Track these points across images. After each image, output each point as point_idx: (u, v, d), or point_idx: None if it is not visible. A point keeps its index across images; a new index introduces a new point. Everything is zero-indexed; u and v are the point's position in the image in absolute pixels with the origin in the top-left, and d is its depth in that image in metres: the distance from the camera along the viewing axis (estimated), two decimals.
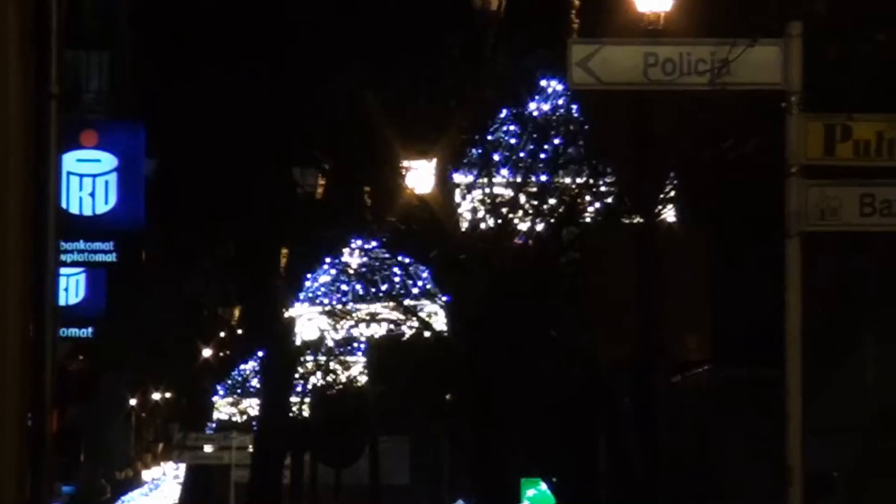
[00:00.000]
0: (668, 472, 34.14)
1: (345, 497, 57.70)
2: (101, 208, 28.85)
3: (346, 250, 40.03)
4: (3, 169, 16.82)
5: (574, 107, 37.74)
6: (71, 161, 28.75)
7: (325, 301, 44.99)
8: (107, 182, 28.52)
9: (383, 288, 43.27)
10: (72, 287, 33.97)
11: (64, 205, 26.57)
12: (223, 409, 57.23)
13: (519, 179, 40.28)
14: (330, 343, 47.41)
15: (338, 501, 57.29)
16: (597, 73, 19.88)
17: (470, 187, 42.09)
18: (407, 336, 43.81)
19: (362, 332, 45.80)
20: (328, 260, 43.93)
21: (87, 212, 28.73)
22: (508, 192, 41.22)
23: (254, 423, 54.70)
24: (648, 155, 27.34)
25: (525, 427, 40.79)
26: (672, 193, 34.94)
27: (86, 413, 45.74)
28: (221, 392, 58.07)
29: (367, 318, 43.90)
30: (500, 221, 40.88)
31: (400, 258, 39.09)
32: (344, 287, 43.89)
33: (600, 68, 19.87)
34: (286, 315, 48.06)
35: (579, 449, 41.13)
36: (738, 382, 39.88)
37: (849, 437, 31.25)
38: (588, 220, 39.31)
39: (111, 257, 31.60)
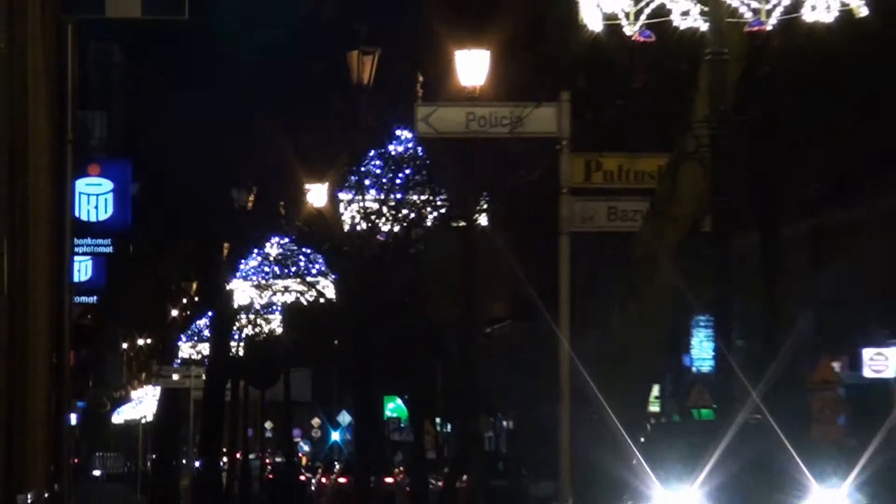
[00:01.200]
0: (482, 390, 47.29)
1: (270, 410, 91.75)
2: (102, 216, 36.31)
3: (268, 244, 53.17)
4: (36, 191, 20.23)
5: (419, 148, 48.93)
6: (82, 185, 36.29)
7: (254, 278, 59.13)
8: (106, 199, 36.37)
9: (293, 269, 57.79)
10: (83, 269, 41.22)
11: (77, 214, 33.54)
12: (186, 350, 76.10)
13: (382, 197, 51.83)
14: (257, 306, 61.44)
15: (263, 412, 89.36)
16: (434, 126, 26.60)
17: (350, 202, 52.95)
18: (309, 301, 58.15)
19: (279, 298, 60.31)
20: (255, 251, 58.13)
21: (93, 219, 35.99)
22: (375, 206, 53.71)
23: (206, 359, 72.18)
24: (469, 180, 40.36)
25: (387, 362, 54.87)
26: (485, 206, 43.03)
27: (92, 353, 60.87)
28: (184, 339, 75.84)
29: (282, 289, 58.54)
30: (369, 225, 52.27)
31: (304, 249, 53.29)
32: (266, 269, 57.97)
33: (437, 123, 26.67)
34: (227, 287, 63.14)
35: (423, 376, 58.45)
36: (529, 333, 53.78)
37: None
38: (429, 224, 52.46)
39: (108, 249, 43.84)
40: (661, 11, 16.99)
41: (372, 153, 50.21)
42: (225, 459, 78.37)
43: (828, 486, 27.90)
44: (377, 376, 46.84)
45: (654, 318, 23.14)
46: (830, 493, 27.81)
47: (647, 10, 16.94)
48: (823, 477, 28.41)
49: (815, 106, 33.92)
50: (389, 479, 56.32)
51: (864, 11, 17.02)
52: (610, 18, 17.24)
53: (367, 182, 52.86)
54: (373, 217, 52.93)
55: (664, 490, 19.13)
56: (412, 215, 52.31)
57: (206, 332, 74.51)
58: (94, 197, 35.78)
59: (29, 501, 19.10)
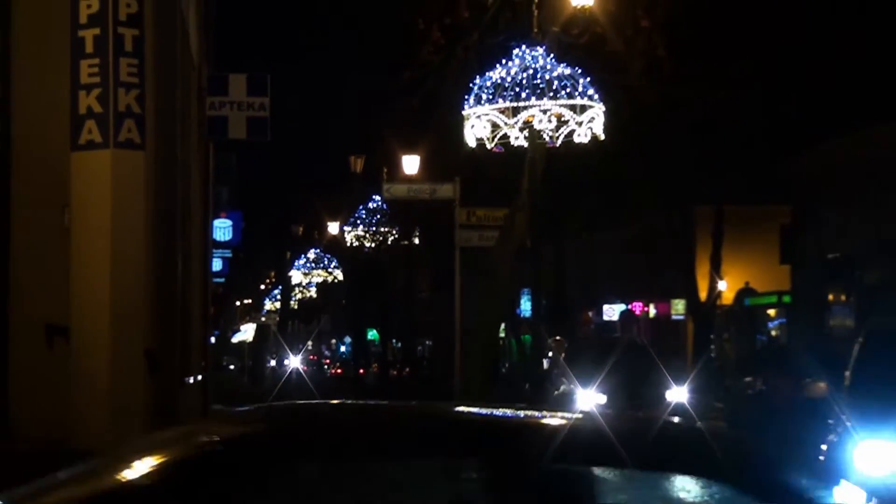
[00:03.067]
0: (417, 325, 61.93)
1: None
2: (226, 238, 46.35)
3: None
4: (195, 226, 25.68)
5: (385, 206, 51.84)
6: (217, 223, 43.99)
7: (303, 270, 69.36)
8: (229, 229, 47.41)
9: (330, 265, 65.68)
10: (217, 265, 47.30)
11: (214, 237, 41.67)
12: (269, 305, 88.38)
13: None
14: (303, 284, 72.03)
15: (306, 337, 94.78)
16: (392, 193, 37.59)
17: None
18: (330, 281, 67.22)
19: (315, 279, 70.60)
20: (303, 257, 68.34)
21: (221, 239, 44.43)
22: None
23: (278, 310, 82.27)
24: (409, 220, 46.92)
25: (370, 311, 64.40)
26: (417, 233, 51.88)
27: (221, 307, 69.83)
28: (267, 300, 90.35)
29: (317, 275, 68.63)
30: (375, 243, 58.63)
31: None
32: (310, 264, 68.44)
33: (394, 192, 37.45)
34: (288, 275, 73.90)
35: (387, 319, 63.92)
36: (444, 299, 53.53)
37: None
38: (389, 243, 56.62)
39: (229, 255, 51.33)
40: (506, 136, 25.00)
41: (360, 208, 54.36)
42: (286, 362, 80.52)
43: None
44: (364, 319, 55.77)
45: (500, 286, 32.35)
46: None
47: (498, 136, 25.05)
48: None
49: (578, 183, 42.19)
50: (362, 371, 68.34)
51: (602, 136, 25.13)
52: (479, 140, 25.73)
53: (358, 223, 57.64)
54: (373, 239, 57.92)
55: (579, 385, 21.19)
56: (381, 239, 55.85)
57: (278, 296, 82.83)
58: (222, 229, 46.32)
59: (191, 381, 24.93)
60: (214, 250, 37.17)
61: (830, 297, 47.75)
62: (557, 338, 33.54)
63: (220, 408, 28.32)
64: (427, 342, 53.61)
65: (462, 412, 8.03)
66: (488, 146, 24.46)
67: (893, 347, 14.93)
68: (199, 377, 27.14)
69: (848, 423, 13.61)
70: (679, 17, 28.00)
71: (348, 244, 44.25)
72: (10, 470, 12.16)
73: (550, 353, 33.60)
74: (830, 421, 15.31)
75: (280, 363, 78.07)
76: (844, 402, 16.33)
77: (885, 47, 38.65)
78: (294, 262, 58.71)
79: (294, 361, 65.31)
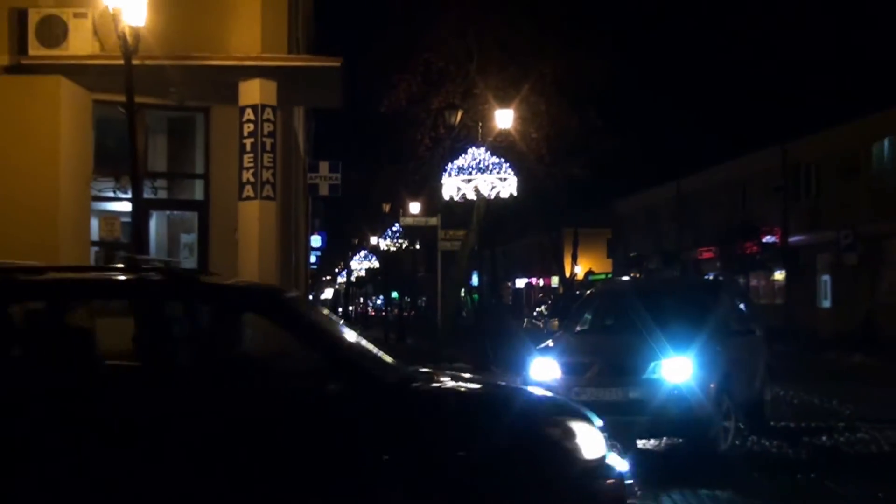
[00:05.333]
0: (419, 288, 54.05)
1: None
2: (318, 245, 41.08)
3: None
4: (298, 241, 22.10)
5: (401, 229, 40.21)
6: (312, 238, 36.10)
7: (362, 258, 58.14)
8: (319, 240, 39.76)
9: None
10: (312, 259, 39.29)
11: (311, 245, 34.38)
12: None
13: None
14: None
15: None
16: (405, 222, 33.56)
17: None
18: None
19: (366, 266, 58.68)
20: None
21: (315, 246, 37.91)
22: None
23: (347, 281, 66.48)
24: (415, 236, 39.22)
25: (397, 282, 51.68)
26: (419, 243, 41.34)
27: (315, 282, 58.17)
28: (342, 277, 69.75)
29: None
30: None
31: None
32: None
33: (406, 222, 33.23)
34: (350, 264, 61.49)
35: (405, 286, 54.03)
36: (430, 279, 44.99)
37: None
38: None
39: (318, 254, 43.08)
40: (464, 194, 22.82)
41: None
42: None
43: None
44: (389, 286, 46.21)
45: (460, 270, 30.74)
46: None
47: (460, 193, 22.84)
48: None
49: (501, 217, 36.28)
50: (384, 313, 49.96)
51: (515, 193, 23.04)
52: (450, 195, 23.07)
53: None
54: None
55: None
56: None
57: (344, 274, 65.19)
58: (315, 238, 39.14)
59: None
60: (311, 251, 34.32)
61: (631, 275, 45.67)
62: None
63: None
64: (423, 298, 52.50)
65: None
66: (455, 198, 23.29)
67: (598, 300, 13.06)
68: None
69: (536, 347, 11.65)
70: (552, 133, 27.58)
71: (382, 248, 43.54)
72: None
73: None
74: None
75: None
76: (548, 334, 14.48)
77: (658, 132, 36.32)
78: (353, 257, 56.90)
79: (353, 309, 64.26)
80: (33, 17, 12.95)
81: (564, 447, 5.25)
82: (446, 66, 26.35)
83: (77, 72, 13.34)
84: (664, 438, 10.83)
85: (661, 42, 32.26)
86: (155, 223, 15.30)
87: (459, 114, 24.84)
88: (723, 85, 37.86)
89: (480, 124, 24.52)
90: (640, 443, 10.43)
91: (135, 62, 10.73)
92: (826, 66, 34.66)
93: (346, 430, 5.16)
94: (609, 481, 5.41)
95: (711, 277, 29.05)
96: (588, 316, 12.06)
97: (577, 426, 5.41)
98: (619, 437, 8.93)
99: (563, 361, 10.36)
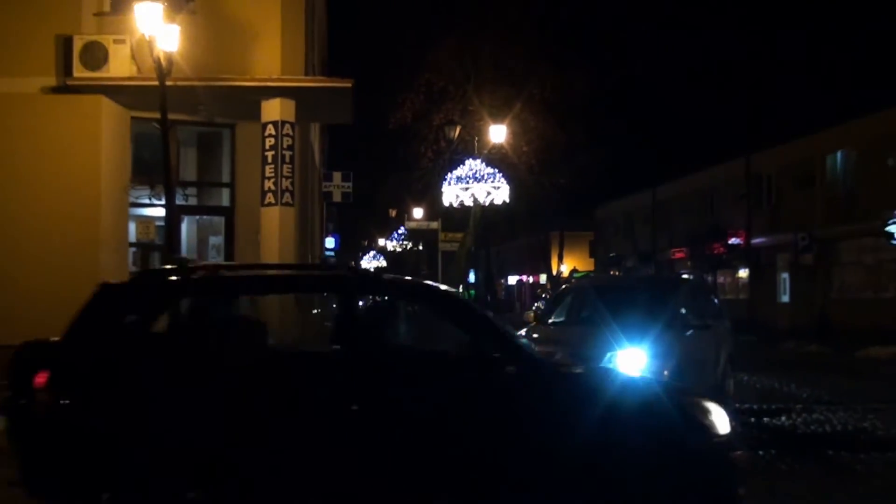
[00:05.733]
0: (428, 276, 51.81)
1: None
2: (332, 246, 35.93)
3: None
4: (313, 241, 22.06)
5: (406, 232, 40.35)
6: (327, 240, 33.48)
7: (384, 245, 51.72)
8: (333, 241, 35.91)
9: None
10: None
11: (325, 246, 31.95)
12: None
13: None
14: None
15: None
16: (410, 226, 32.91)
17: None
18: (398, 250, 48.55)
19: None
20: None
21: (329, 247, 34.94)
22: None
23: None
24: (418, 238, 38.52)
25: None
26: (422, 244, 41.10)
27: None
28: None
29: (389, 248, 50.76)
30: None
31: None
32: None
33: (411, 225, 32.97)
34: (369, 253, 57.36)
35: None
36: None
37: None
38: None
39: (333, 254, 37.82)
40: (462, 201, 22.53)
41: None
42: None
43: None
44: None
45: (458, 268, 29.97)
46: None
47: (458, 200, 22.63)
48: None
49: (495, 222, 35.05)
50: None
51: (508, 201, 22.87)
52: (450, 202, 22.88)
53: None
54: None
55: None
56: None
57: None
58: (330, 240, 35.67)
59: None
60: (326, 252, 34.03)
61: (611, 273, 46.12)
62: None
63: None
64: None
65: None
66: (454, 205, 23.09)
67: (571, 296, 12.31)
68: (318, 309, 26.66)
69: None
70: (540, 146, 27.32)
71: (389, 249, 43.13)
72: None
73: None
74: None
75: None
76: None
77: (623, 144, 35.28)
78: (363, 257, 55.95)
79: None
80: (77, 43, 13.02)
81: (704, 423, 5.42)
82: (446, 86, 26.25)
83: (116, 92, 13.37)
84: None
85: (638, 63, 31.82)
86: (186, 226, 15.22)
87: (458, 129, 24.84)
88: (693, 103, 37.50)
89: (477, 138, 24.45)
90: None
91: (168, 83, 10.73)
92: (784, 86, 35.10)
93: (527, 405, 5.36)
94: (738, 453, 5.64)
95: (685, 275, 28.80)
96: (561, 309, 11.63)
97: (710, 405, 5.56)
98: None
99: None
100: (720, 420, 5.46)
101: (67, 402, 4.98)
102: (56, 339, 5.51)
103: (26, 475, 5.01)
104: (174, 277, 5.86)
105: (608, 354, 9.15)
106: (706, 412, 5.51)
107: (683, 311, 10.32)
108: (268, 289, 6.12)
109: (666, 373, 9.07)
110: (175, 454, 4.95)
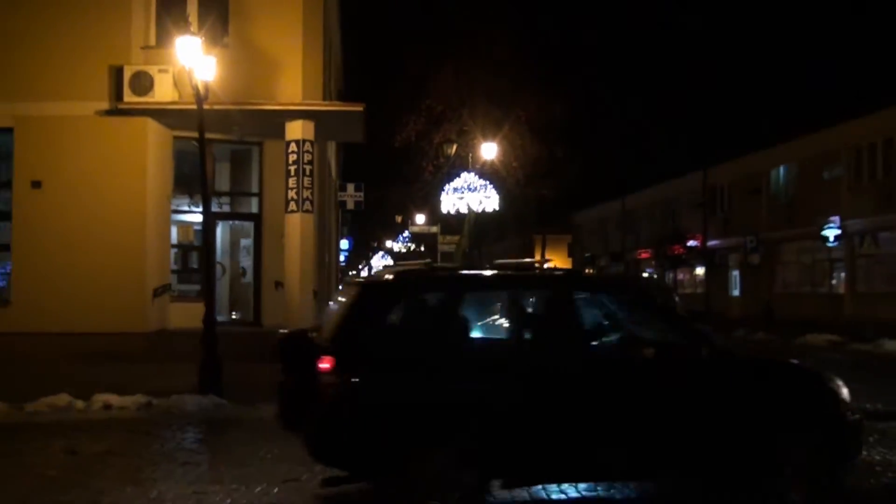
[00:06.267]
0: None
1: None
2: (346, 247, 36.48)
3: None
4: (331, 244, 21.51)
5: (409, 235, 40.89)
6: (342, 242, 32.20)
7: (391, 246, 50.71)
8: (347, 242, 34.64)
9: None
10: (342, 258, 35.73)
11: (340, 247, 31.41)
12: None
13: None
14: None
15: None
16: (413, 230, 32.32)
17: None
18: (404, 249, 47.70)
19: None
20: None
21: (343, 248, 34.99)
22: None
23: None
24: (420, 241, 37.23)
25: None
26: (423, 246, 39.41)
27: (343, 275, 48.74)
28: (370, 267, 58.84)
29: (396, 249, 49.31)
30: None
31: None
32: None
33: (414, 230, 32.44)
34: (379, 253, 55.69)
35: None
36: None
37: None
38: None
39: (346, 254, 38.01)
40: (458, 209, 22.58)
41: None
42: None
43: None
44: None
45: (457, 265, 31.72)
46: None
47: (455, 208, 22.54)
48: None
49: (487, 225, 33.34)
50: None
51: (497, 208, 22.88)
52: (447, 209, 22.99)
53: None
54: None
55: None
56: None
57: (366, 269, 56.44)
58: (344, 242, 34.58)
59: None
60: (340, 252, 33.46)
61: (586, 270, 46.63)
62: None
63: None
64: None
65: None
66: (451, 212, 23.05)
67: None
68: (335, 301, 26.70)
69: None
70: (526, 162, 26.89)
71: (395, 250, 42.75)
72: (264, 339, 12.32)
73: None
74: None
75: None
76: None
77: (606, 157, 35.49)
78: (372, 256, 55.80)
79: None
80: (127, 73, 13.15)
81: (840, 393, 5.79)
82: (445, 110, 26.12)
83: (160, 115, 13.46)
84: None
85: (610, 88, 31.88)
86: (220, 230, 15.67)
87: (455, 147, 24.97)
88: (657, 125, 37.77)
89: (470, 155, 24.45)
90: None
91: (205, 107, 10.89)
92: (735, 110, 35.18)
93: (720, 380, 5.62)
94: (858, 416, 5.93)
95: (645, 273, 28.63)
96: None
97: (839, 380, 5.87)
98: None
99: None
100: (846, 391, 5.83)
101: (357, 380, 5.10)
102: (308, 328, 6.02)
103: (315, 443, 5.20)
104: (425, 276, 5.94)
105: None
106: (840, 385, 5.83)
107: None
108: (500, 286, 6.02)
109: None
110: (458, 428, 5.11)
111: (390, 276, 5.78)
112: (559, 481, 5.82)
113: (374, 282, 5.87)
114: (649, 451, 5.38)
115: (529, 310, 5.86)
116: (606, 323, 5.95)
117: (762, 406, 5.47)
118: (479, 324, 5.82)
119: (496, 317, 5.91)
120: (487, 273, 6.13)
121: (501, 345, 5.64)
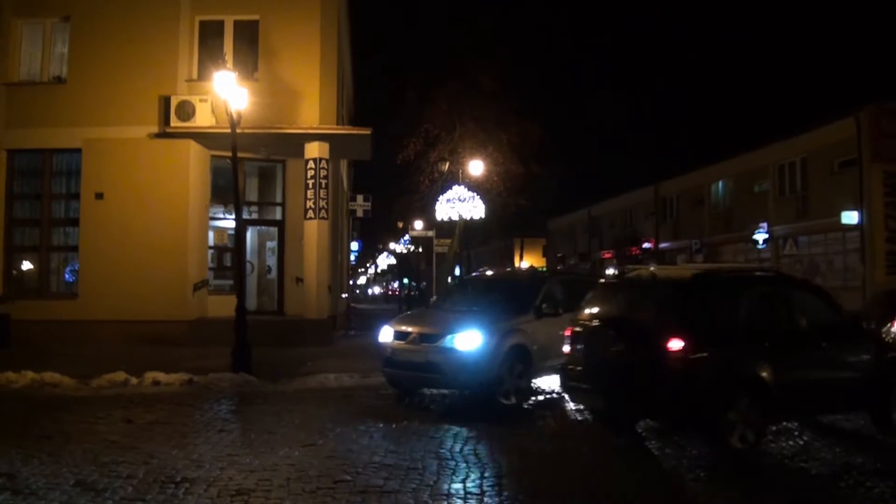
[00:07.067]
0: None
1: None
2: (356, 249, 33.63)
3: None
4: (342, 247, 19.82)
5: (409, 239, 34.07)
6: (352, 244, 29.52)
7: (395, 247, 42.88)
8: (358, 245, 33.42)
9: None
10: (352, 258, 33.56)
11: (351, 248, 29.07)
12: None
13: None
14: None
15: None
16: (412, 234, 28.68)
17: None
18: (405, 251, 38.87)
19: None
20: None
21: (353, 250, 32.01)
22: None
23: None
24: (418, 243, 32.57)
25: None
26: (421, 247, 34.72)
27: (353, 273, 44.99)
28: (375, 268, 62.60)
29: (396, 251, 43.43)
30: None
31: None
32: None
33: (413, 234, 29.00)
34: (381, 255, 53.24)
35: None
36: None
37: None
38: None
39: (356, 254, 36.37)
40: (451, 217, 21.86)
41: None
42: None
43: None
44: (402, 276, 39.84)
45: (448, 265, 28.52)
46: None
47: (448, 216, 21.85)
48: None
49: (475, 231, 31.29)
50: (398, 292, 43.69)
51: (483, 216, 22.01)
52: (441, 217, 22.33)
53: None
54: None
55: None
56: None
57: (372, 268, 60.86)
58: (354, 244, 32.44)
59: (344, 295, 20.38)
60: (351, 252, 32.44)
61: (558, 267, 45.33)
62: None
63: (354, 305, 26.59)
64: (423, 283, 49.71)
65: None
66: (444, 219, 22.73)
67: (462, 286, 11.04)
68: (346, 294, 25.25)
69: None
70: (507, 177, 26.73)
71: (397, 251, 42.23)
72: (286, 326, 12.66)
73: None
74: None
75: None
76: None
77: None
78: (378, 256, 55.18)
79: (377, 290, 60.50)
80: (174, 102, 13.28)
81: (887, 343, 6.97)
82: (439, 133, 25.99)
83: (201, 137, 13.47)
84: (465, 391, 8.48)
85: (579, 116, 32.26)
86: (249, 234, 15.59)
87: (447, 164, 25.49)
88: (615, 144, 38.26)
89: (461, 171, 24.19)
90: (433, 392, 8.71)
91: (238, 131, 10.87)
92: (681, 132, 36.08)
93: (860, 345, 6.83)
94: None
95: (609, 271, 28.47)
96: (453, 297, 10.01)
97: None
98: (417, 389, 8.63)
99: (395, 329, 8.67)
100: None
101: (704, 354, 5.78)
102: (620, 316, 6.64)
103: (662, 402, 5.87)
104: (731, 275, 6.90)
105: (448, 336, 8.02)
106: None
107: (545, 303, 8.75)
108: (764, 283, 7.06)
109: (502, 353, 7.93)
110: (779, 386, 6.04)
111: (695, 273, 6.57)
112: (806, 417, 6.98)
113: (700, 277, 6.50)
114: (847, 392, 6.57)
115: (782, 300, 6.65)
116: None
117: (866, 350, 6.77)
118: (752, 310, 6.48)
119: (763, 305, 6.57)
120: (758, 274, 7.40)
121: (773, 325, 6.39)
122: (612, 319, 6.43)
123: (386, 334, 8.73)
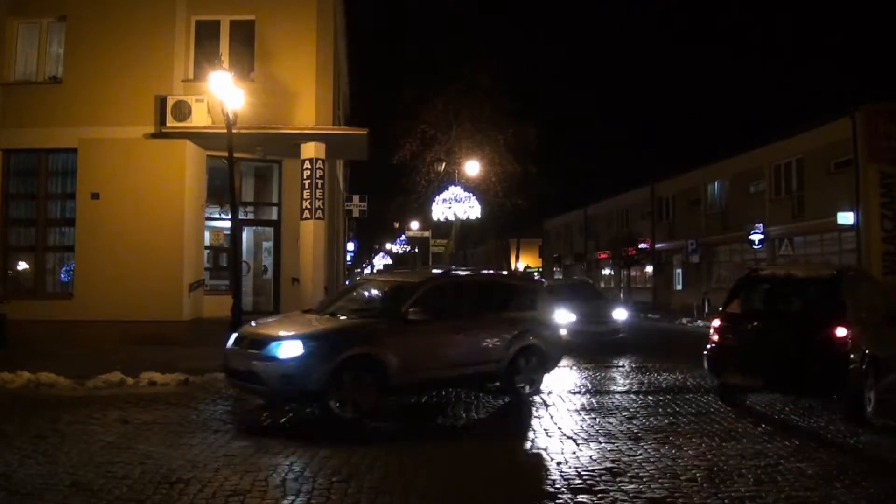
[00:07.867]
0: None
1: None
2: (352, 249, 34.95)
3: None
4: (338, 247, 20.06)
5: (406, 239, 38.14)
6: (348, 244, 29.55)
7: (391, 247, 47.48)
8: (354, 245, 34.09)
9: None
10: (348, 258, 32.36)
11: (346, 248, 28.37)
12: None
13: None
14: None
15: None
16: (408, 235, 29.93)
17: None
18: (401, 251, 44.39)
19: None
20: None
21: (349, 250, 32.76)
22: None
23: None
24: (414, 244, 34.74)
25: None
26: (417, 248, 37.59)
27: (350, 272, 46.03)
28: (372, 267, 57.88)
29: (393, 250, 47.15)
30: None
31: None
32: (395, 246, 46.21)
33: (409, 234, 30.18)
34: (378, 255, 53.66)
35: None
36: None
37: None
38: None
39: (352, 255, 37.22)
40: (447, 217, 22.09)
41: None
42: None
43: None
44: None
45: (444, 263, 25.70)
46: None
47: (444, 216, 22.12)
48: None
49: (469, 231, 31.97)
50: None
51: (479, 216, 22.64)
52: (438, 217, 22.37)
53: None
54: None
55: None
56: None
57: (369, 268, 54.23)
58: (350, 244, 32.72)
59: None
60: (347, 253, 31.35)
61: (554, 268, 45.90)
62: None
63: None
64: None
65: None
66: (441, 219, 22.79)
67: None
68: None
69: None
70: (503, 177, 26.67)
71: (394, 251, 42.19)
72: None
73: None
74: None
75: None
76: None
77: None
78: (374, 256, 54.99)
79: None
80: (170, 102, 13.14)
81: None
82: (435, 133, 25.90)
83: (196, 137, 13.35)
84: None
85: (576, 117, 32.34)
86: (245, 234, 15.32)
87: (444, 165, 25.65)
88: (612, 144, 38.29)
89: (457, 171, 24.78)
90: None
91: (234, 131, 10.82)
92: (678, 133, 36.60)
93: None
94: None
95: (576, 277, 28.21)
96: (336, 300, 9.08)
97: None
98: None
99: (236, 333, 8.13)
100: None
101: (855, 340, 6.95)
102: (773, 309, 8.00)
103: (823, 381, 6.95)
104: (853, 273, 8.14)
105: (272, 344, 7.35)
106: None
107: (413, 308, 7.93)
108: (781, 281, 8.06)
109: (323, 360, 7.15)
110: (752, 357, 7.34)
111: (839, 270, 7.80)
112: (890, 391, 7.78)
113: (753, 274, 8.09)
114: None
115: (876, 291, 8.09)
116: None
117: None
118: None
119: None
120: (780, 273, 8.29)
121: (873, 311, 7.78)
122: (768, 311, 7.71)
123: (230, 338, 7.92)
